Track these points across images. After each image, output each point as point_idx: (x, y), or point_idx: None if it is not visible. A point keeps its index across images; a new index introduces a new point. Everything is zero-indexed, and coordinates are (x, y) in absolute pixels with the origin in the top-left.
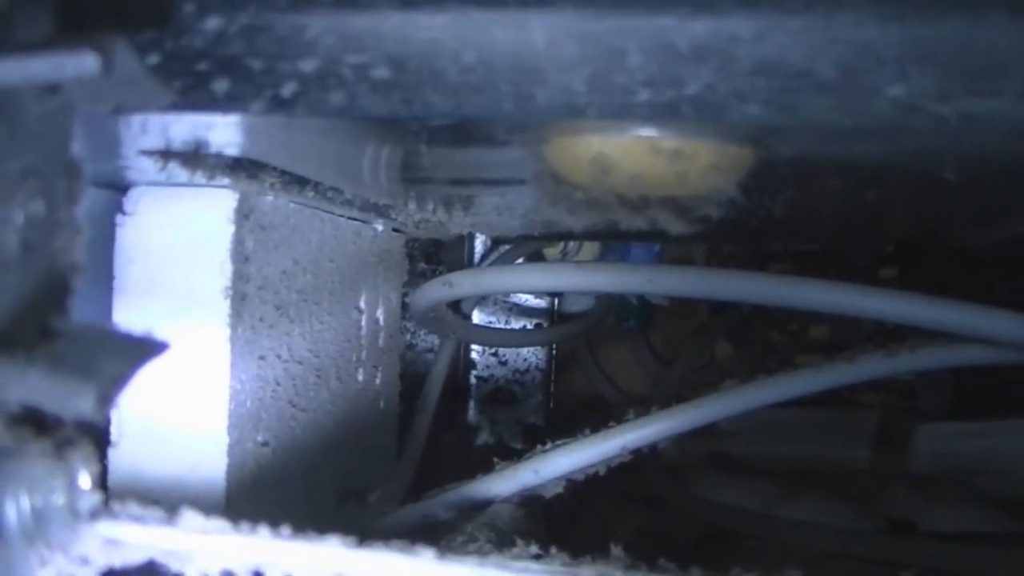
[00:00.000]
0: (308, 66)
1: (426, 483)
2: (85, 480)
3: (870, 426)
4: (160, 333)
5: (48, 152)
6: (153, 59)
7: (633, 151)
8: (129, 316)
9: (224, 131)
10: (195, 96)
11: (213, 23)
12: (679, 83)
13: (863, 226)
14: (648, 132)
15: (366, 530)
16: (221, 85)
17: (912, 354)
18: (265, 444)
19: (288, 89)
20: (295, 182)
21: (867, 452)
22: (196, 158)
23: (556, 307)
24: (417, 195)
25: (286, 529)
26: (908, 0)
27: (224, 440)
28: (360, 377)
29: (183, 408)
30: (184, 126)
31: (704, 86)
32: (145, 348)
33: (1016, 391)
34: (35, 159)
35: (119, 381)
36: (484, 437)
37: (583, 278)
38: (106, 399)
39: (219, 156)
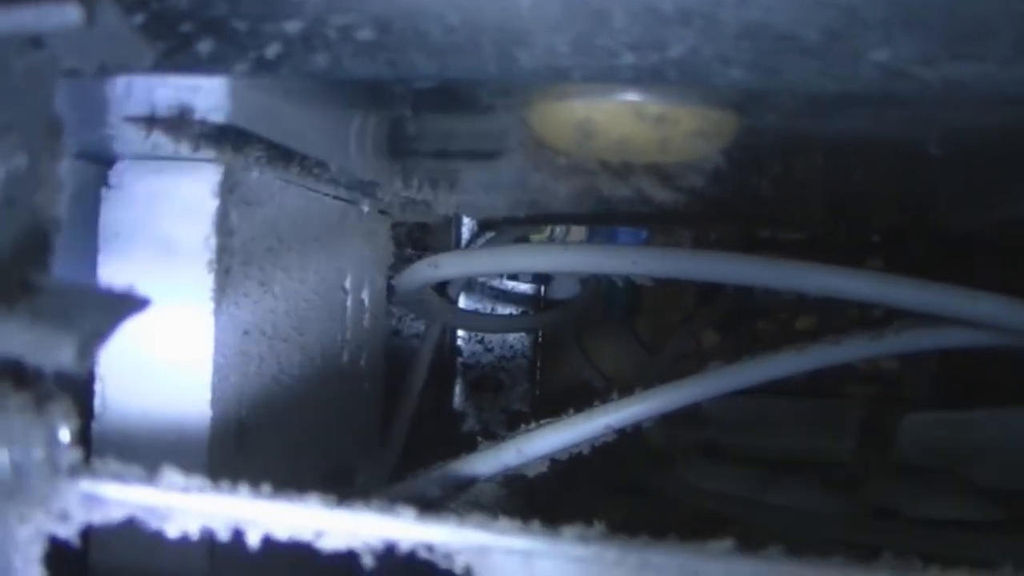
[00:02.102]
0: (293, 27)
1: (410, 468)
2: (65, 434)
3: (855, 416)
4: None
5: (31, 107)
6: (138, 19)
7: (617, 116)
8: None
9: (209, 95)
10: (179, 57)
11: None
12: (663, 46)
13: (849, 209)
14: (632, 96)
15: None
16: (205, 46)
17: (897, 336)
18: (248, 420)
19: (272, 50)
20: (280, 157)
21: (852, 442)
22: (181, 124)
23: (543, 294)
24: (403, 170)
25: (266, 488)
26: None
27: (207, 414)
28: (345, 358)
29: (166, 382)
30: (168, 90)
31: (688, 49)
32: (127, 303)
33: (1000, 381)
34: (17, 114)
35: (100, 334)
36: (470, 424)
37: (569, 258)
38: (87, 351)
39: (204, 123)
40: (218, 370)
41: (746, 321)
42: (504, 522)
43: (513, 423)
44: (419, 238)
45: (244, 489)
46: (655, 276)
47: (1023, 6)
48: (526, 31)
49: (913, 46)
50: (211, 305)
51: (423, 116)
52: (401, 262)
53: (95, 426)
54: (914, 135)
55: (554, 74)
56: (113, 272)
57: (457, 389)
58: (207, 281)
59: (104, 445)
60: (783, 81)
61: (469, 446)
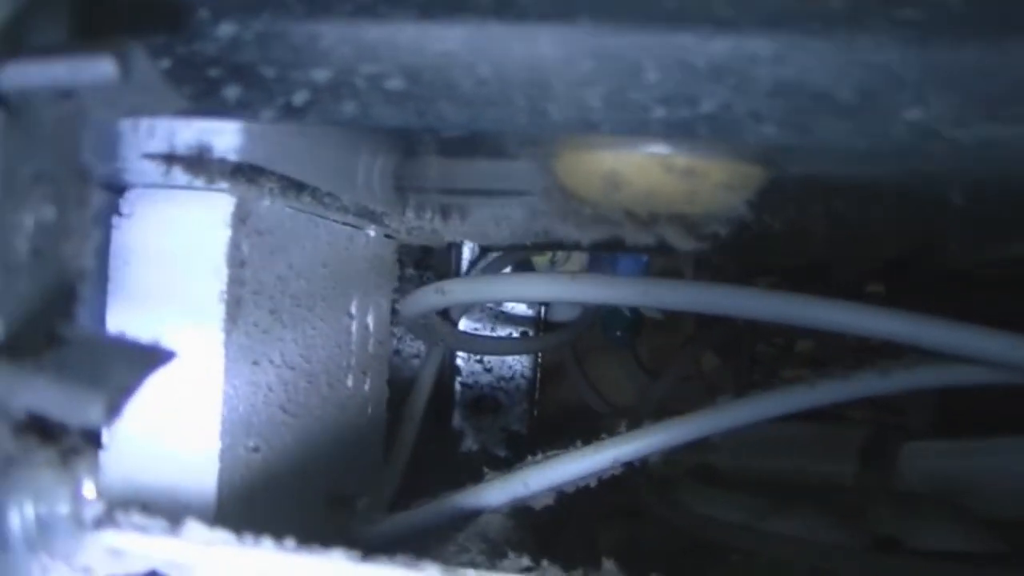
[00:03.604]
0: (321, 75)
1: (410, 489)
2: (90, 489)
3: (856, 442)
4: (154, 336)
5: (60, 157)
6: (164, 63)
7: (645, 168)
8: (123, 318)
9: (229, 137)
10: (206, 102)
11: (227, 29)
12: (695, 101)
13: (855, 244)
14: (660, 149)
15: (356, 537)
16: (232, 92)
17: (906, 373)
18: (256, 449)
19: (300, 97)
20: (292, 187)
21: (853, 468)
22: (199, 163)
23: (543, 316)
24: (415, 203)
25: (290, 542)
26: (929, 24)
27: (216, 445)
28: (349, 383)
29: (176, 412)
30: (190, 131)
31: (720, 105)
32: (153, 357)
33: (1003, 410)
34: (47, 163)
35: (127, 390)
36: (468, 444)
37: (577, 290)
38: (115, 408)
39: (222, 161)
40: (227, 400)
41: (746, 344)
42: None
43: (511, 444)
44: (421, 259)
45: (267, 542)
46: (663, 308)
47: None
48: (557, 85)
49: (946, 107)
50: (222, 336)
51: (441, 158)
52: (403, 282)
53: (103, 457)
54: (938, 185)
55: (584, 127)
56: (122, 302)
57: (456, 409)
58: (218, 311)
59: (112, 476)
60: (815, 138)
61: (467, 466)
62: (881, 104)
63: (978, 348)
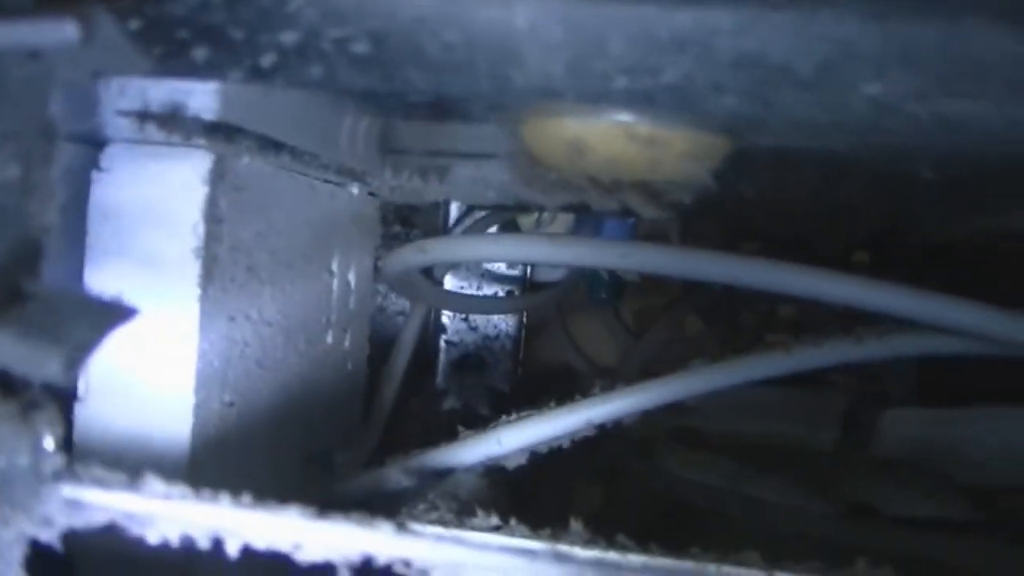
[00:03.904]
0: (288, 38)
1: (391, 446)
2: (49, 442)
3: (836, 408)
4: (131, 291)
5: (26, 116)
6: (133, 25)
7: (609, 135)
8: (101, 272)
9: (202, 96)
10: (174, 63)
11: None
12: (657, 71)
13: (835, 217)
14: (624, 117)
15: (330, 493)
16: (201, 53)
17: (880, 341)
18: (231, 404)
19: (267, 60)
20: (272, 146)
21: (832, 434)
22: (173, 121)
23: (529, 275)
24: (393, 164)
25: (247, 497)
26: (891, 0)
27: (191, 400)
28: (329, 339)
29: (150, 366)
30: (162, 90)
31: (682, 76)
32: (115, 314)
33: (982, 379)
34: (12, 124)
35: (88, 346)
36: (451, 402)
37: (556, 251)
38: (74, 364)
39: (196, 119)
40: (202, 356)
41: (730, 308)
42: (481, 536)
43: (495, 403)
44: (407, 216)
45: (225, 497)
46: (643, 271)
47: (1018, 47)
48: (523, 52)
49: (906, 82)
50: (197, 291)
51: (415, 121)
52: (388, 239)
53: (78, 409)
54: (906, 158)
55: (547, 94)
56: (100, 256)
57: (440, 367)
58: (195, 267)
59: (86, 429)
60: (775, 110)
61: (449, 423)
62: (841, 78)
63: (953, 318)
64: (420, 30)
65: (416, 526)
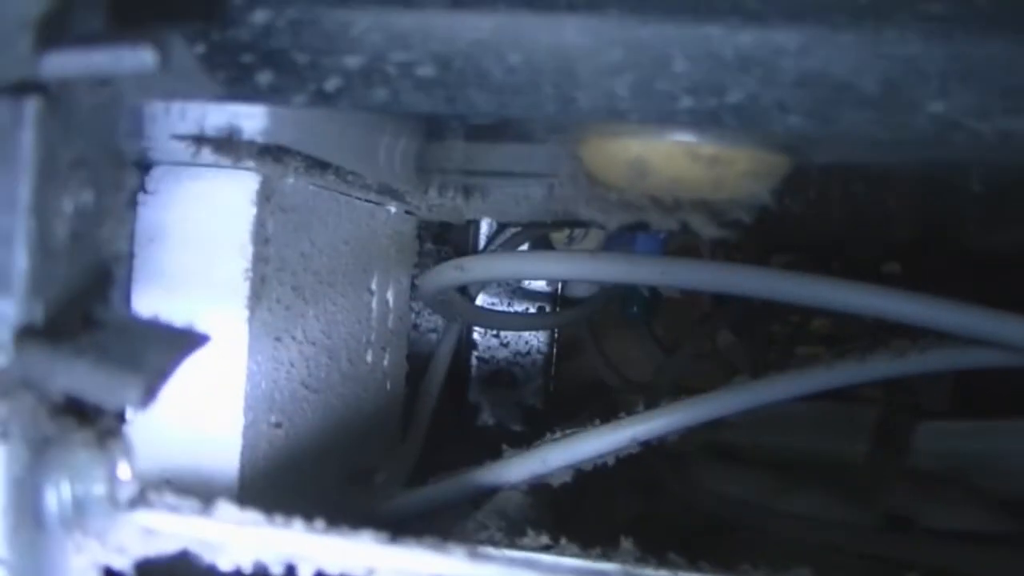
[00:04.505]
0: (353, 62)
1: (426, 462)
2: (125, 470)
3: (870, 421)
4: (178, 313)
5: (97, 141)
6: (199, 49)
7: (671, 156)
8: (148, 295)
9: (259, 120)
10: (239, 87)
11: (261, 16)
12: (722, 91)
13: (872, 227)
14: (687, 137)
15: (371, 512)
16: (265, 77)
17: (921, 355)
18: (278, 425)
19: (332, 84)
20: (317, 166)
21: (867, 446)
22: (228, 144)
23: (560, 291)
24: (438, 183)
25: (320, 523)
26: (953, 18)
27: (240, 421)
28: (369, 359)
29: (200, 388)
30: (221, 115)
31: (747, 95)
32: (187, 340)
33: (1017, 390)
34: (85, 149)
35: (163, 373)
36: (484, 418)
37: (597, 268)
38: (152, 391)
39: (250, 143)
40: (251, 377)
41: (762, 322)
42: (552, 559)
43: (527, 418)
44: (439, 234)
45: (298, 523)
46: (683, 288)
47: None
48: (586, 73)
49: (969, 99)
50: (246, 313)
51: (460, 142)
52: (422, 257)
53: (127, 432)
54: (957, 172)
55: (611, 115)
56: (147, 278)
57: (472, 383)
58: (242, 289)
59: (137, 452)
60: (839, 128)
61: (483, 440)
62: (905, 96)
63: (993, 331)
64: (483, 53)
65: (489, 550)
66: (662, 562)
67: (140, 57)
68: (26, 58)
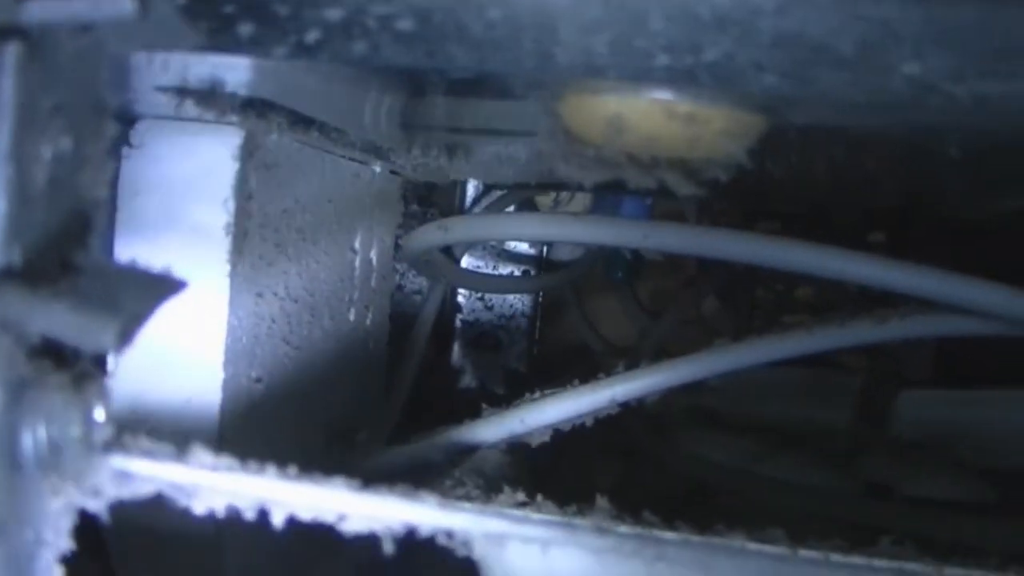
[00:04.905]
0: (333, 14)
1: (409, 423)
2: (100, 413)
3: (852, 388)
4: (160, 266)
5: (78, 89)
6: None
7: (648, 113)
8: (131, 247)
9: (241, 72)
10: (220, 38)
11: None
12: (699, 50)
13: (855, 192)
14: (664, 95)
15: (352, 469)
16: (246, 29)
17: (902, 322)
18: (259, 380)
19: (312, 36)
20: (301, 122)
21: (848, 413)
22: (211, 97)
23: (545, 255)
24: (422, 141)
25: (293, 469)
26: None
27: (220, 375)
28: (352, 317)
29: (181, 342)
30: (203, 66)
31: (723, 54)
32: (164, 286)
33: (999, 361)
34: (65, 96)
35: (139, 317)
36: (467, 380)
37: (579, 230)
38: (127, 335)
39: (233, 96)
40: (231, 331)
41: (746, 288)
42: (522, 511)
43: (510, 381)
44: (425, 195)
45: (271, 469)
46: (666, 252)
47: None
48: (565, 29)
49: (944, 62)
50: (227, 268)
51: (443, 98)
52: (407, 218)
53: (109, 383)
54: (936, 136)
55: (590, 71)
56: (130, 231)
57: (456, 345)
58: (224, 244)
59: (118, 404)
60: (815, 89)
61: (465, 401)
62: (880, 58)
63: (974, 299)
64: (463, 7)
65: (457, 501)
66: (637, 520)
67: (120, 4)
68: (6, 3)
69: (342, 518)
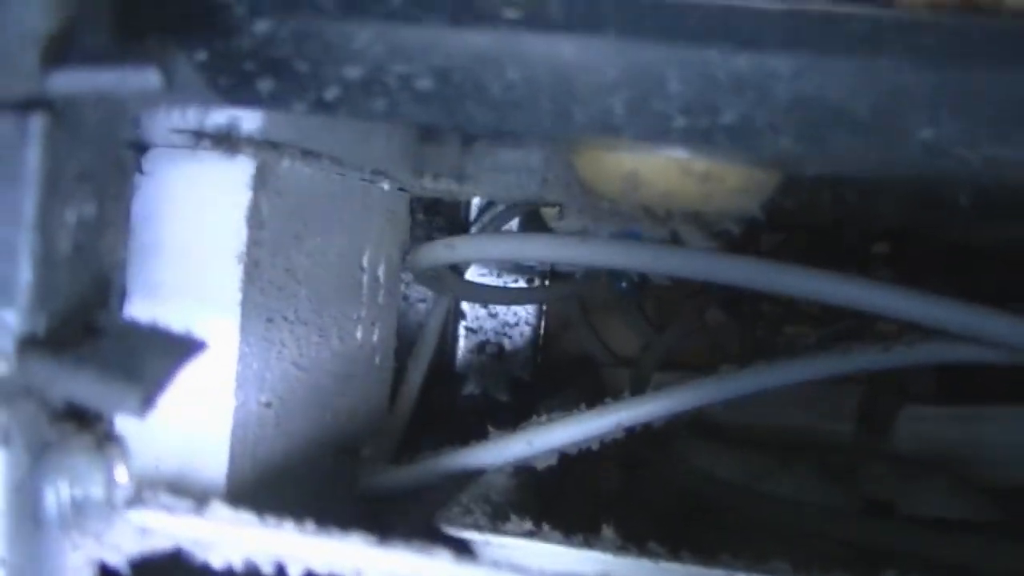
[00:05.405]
0: (353, 72)
1: (413, 434)
2: (122, 474)
3: (854, 402)
4: (172, 294)
5: (101, 154)
6: (200, 56)
7: (664, 170)
8: (142, 276)
9: (258, 120)
10: (239, 93)
11: (263, 26)
12: (716, 112)
13: (859, 220)
14: (680, 153)
15: (357, 485)
16: (266, 85)
17: (909, 349)
18: (268, 405)
19: (331, 93)
20: (312, 154)
21: (850, 427)
22: (227, 139)
23: (550, 266)
24: (433, 172)
25: (310, 524)
26: (945, 48)
27: (231, 403)
28: (359, 335)
29: (191, 370)
30: (222, 116)
31: (740, 117)
32: (185, 347)
33: (1001, 378)
34: (89, 161)
35: (162, 382)
36: (470, 388)
37: (587, 252)
38: (150, 400)
39: (248, 139)
40: (242, 358)
41: (750, 300)
42: (533, 564)
43: (514, 389)
44: (430, 206)
45: (288, 524)
46: (673, 275)
47: None
48: (582, 91)
49: (958, 127)
50: (239, 296)
51: (467, 147)
52: (412, 227)
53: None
54: (946, 188)
55: (607, 132)
56: (142, 259)
57: (459, 353)
58: (236, 272)
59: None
60: (829, 151)
61: (470, 411)
62: (895, 122)
63: (978, 327)
64: (482, 68)
65: (475, 553)
66: (642, 551)
67: (146, 78)
68: (33, 75)
69: (358, 573)
